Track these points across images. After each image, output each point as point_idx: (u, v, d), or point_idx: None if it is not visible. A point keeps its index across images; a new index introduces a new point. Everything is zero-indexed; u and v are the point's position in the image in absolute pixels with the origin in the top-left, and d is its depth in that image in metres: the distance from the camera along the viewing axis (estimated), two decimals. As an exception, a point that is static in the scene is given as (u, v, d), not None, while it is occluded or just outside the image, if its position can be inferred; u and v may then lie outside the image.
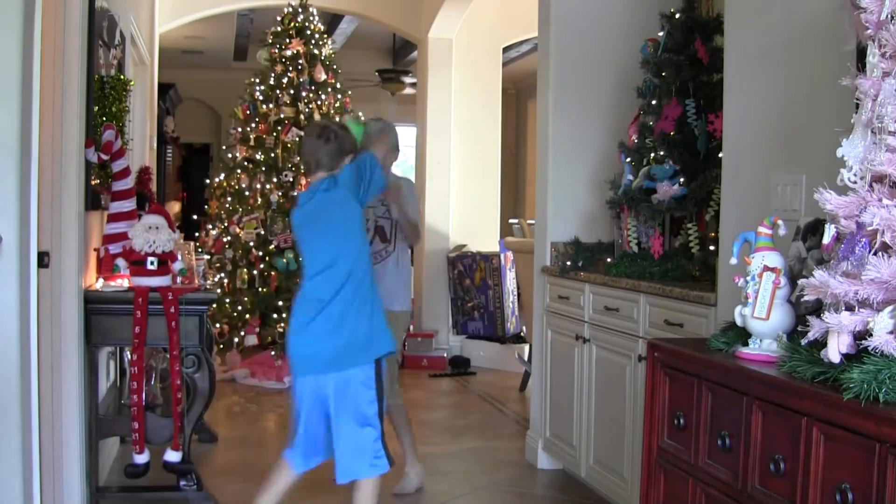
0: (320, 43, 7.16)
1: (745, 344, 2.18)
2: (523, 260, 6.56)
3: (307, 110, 6.95)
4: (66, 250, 3.44)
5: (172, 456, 3.71)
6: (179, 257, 3.86)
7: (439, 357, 7.43)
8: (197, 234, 7.67)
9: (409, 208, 4.14)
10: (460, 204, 8.06)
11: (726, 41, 3.14)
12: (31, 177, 2.63)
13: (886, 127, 1.79)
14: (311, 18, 7.20)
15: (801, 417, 1.82)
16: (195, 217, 9.23)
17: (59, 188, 3.40)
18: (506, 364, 7.29)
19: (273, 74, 7.06)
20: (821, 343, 1.86)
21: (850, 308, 1.80)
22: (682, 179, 3.73)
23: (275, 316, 6.76)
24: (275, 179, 6.89)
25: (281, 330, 6.68)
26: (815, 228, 2.36)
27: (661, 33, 3.99)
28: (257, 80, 7.14)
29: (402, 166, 12.90)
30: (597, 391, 3.97)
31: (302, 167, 3.28)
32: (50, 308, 3.39)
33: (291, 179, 6.87)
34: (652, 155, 3.92)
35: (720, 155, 3.25)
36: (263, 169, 6.93)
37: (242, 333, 6.83)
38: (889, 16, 1.81)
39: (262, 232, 6.83)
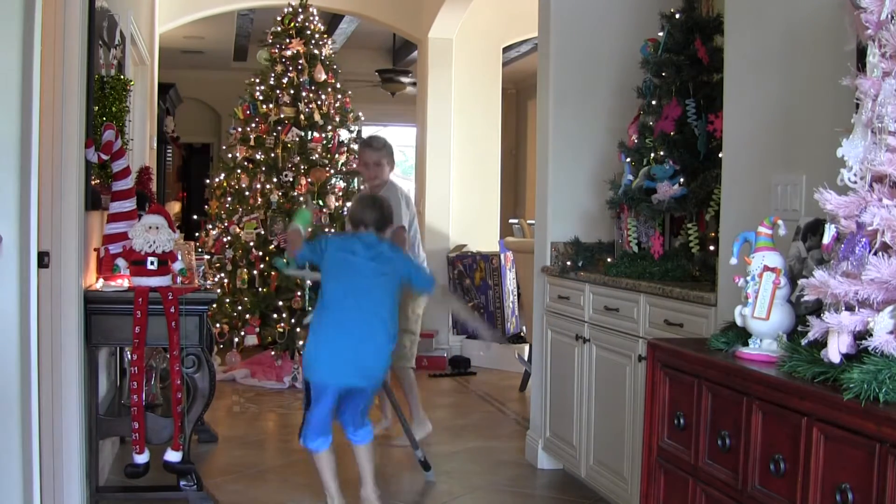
0: (320, 43, 7.16)
1: (745, 344, 2.18)
2: (523, 260, 6.56)
3: (307, 110, 6.94)
4: (66, 250, 3.44)
5: (172, 456, 3.71)
6: (179, 257, 3.86)
7: (439, 357, 7.43)
8: (197, 234, 7.66)
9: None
10: (460, 204, 8.06)
11: (726, 41, 3.14)
12: (31, 177, 2.64)
13: (886, 127, 1.79)
14: (311, 18, 7.20)
15: (801, 417, 1.82)
16: (195, 217, 9.23)
17: (59, 188, 3.40)
18: (506, 364, 7.29)
19: (273, 74, 7.05)
20: (821, 343, 1.86)
21: (850, 308, 1.79)
22: (682, 179, 3.73)
23: (275, 316, 6.76)
24: (275, 179, 6.88)
25: (281, 330, 6.68)
26: (815, 228, 2.36)
27: (661, 33, 3.99)
28: (257, 80, 7.14)
29: (403, 166, 12.91)
30: (597, 391, 3.97)
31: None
32: (50, 308, 3.39)
33: (291, 179, 6.87)
34: (652, 155, 3.92)
35: (720, 155, 3.25)
36: (263, 169, 6.93)
37: (242, 333, 6.83)
38: (889, 16, 1.81)
39: (262, 232, 6.83)
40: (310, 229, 3.87)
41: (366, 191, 4.92)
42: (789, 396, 1.87)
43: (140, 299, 3.61)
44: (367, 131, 8.04)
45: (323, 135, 7.07)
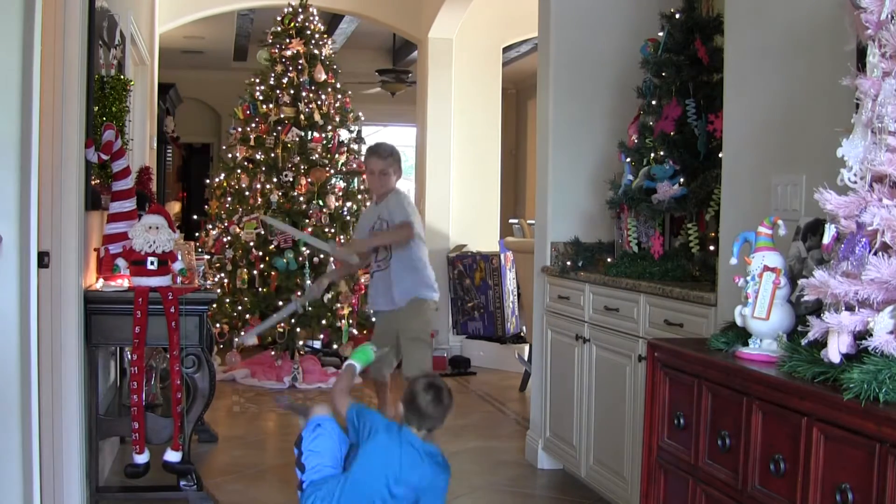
0: (320, 43, 7.16)
1: (745, 344, 2.18)
2: (523, 260, 6.56)
3: (307, 110, 6.94)
4: (66, 250, 3.44)
5: (172, 456, 3.71)
6: (179, 257, 3.86)
7: (439, 357, 7.42)
8: (197, 234, 7.66)
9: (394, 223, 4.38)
10: (460, 204, 8.06)
11: (726, 41, 3.14)
12: (31, 177, 2.64)
13: (886, 127, 1.79)
14: (311, 18, 7.20)
15: (801, 417, 1.82)
16: (195, 217, 9.23)
17: (59, 188, 3.40)
18: (506, 364, 7.29)
19: (273, 74, 7.05)
20: (821, 343, 1.86)
21: (850, 308, 1.79)
22: (682, 179, 3.74)
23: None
24: (275, 179, 6.88)
25: (281, 330, 6.68)
26: (815, 228, 2.36)
27: (661, 33, 3.99)
28: (257, 80, 7.14)
29: (403, 166, 12.91)
30: (597, 391, 3.97)
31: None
32: (50, 308, 3.39)
33: (291, 179, 6.87)
34: (652, 155, 3.92)
35: (720, 155, 3.25)
36: (263, 169, 6.93)
37: (242, 333, 6.83)
38: (889, 16, 1.81)
39: (262, 232, 6.83)
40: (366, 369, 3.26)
41: (372, 200, 4.60)
42: (789, 396, 1.87)
43: (140, 299, 3.61)
44: (366, 131, 8.04)
45: (323, 135, 7.07)
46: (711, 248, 3.55)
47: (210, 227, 7.29)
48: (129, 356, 4.28)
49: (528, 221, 8.43)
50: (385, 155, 4.44)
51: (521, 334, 7.68)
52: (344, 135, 7.28)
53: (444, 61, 7.99)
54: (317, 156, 6.95)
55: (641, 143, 4.02)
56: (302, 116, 6.94)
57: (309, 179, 6.87)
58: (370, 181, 4.56)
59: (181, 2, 7.57)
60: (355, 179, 7.22)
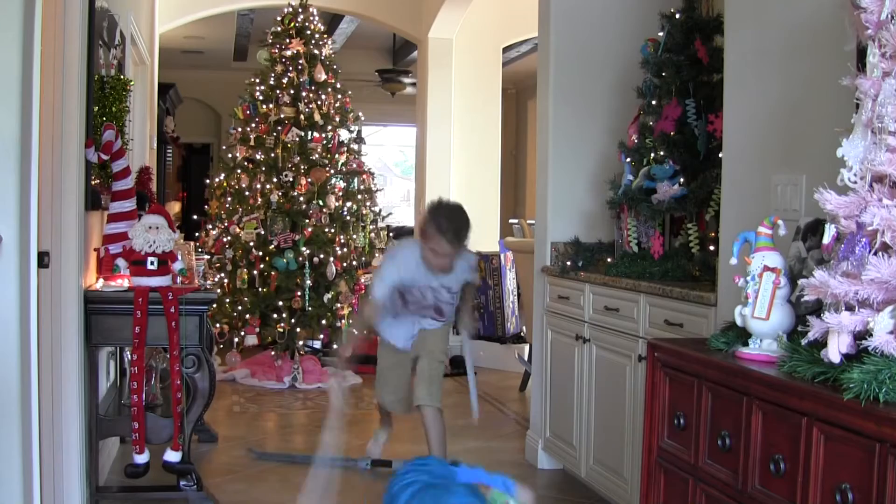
0: (320, 43, 7.16)
1: (745, 344, 2.18)
2: (523, 260, 6.56)
3: (307, 110, 6.94)
4: (66, 250, 3.44)
5: (172, 456, 3.71)
6: (179, 257, 3.86)
7: (439, 357, 7.42)
8: (197, 234, 7.66)
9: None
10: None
11: (726, 41, 3.14)
12: (31, 177, 2.63)
13: (886, 127, 1.79)
14: (311, 18, 7.20)
15: (801, 417, 1.83)
16: (195, 217, 9.23)
17: (59, 188, 3.40)
18: (506, 364, 7.29)
19: (273, 74, 7.05)
20: (821, 343, 1.86)
21: (850, 308, 1.80)
22: (682, 179, 3.74)
23: (275, 316, 6.75)
24: (275, 179, 6.88)
25: (281, 330, 6.68)
26: (815, 228, 2.36)
27: (661, 33, 3.99)
28: (257, 80, 7.14)
29: (403, 166, 12.89)
30: (597, 391, 3.97)
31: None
32: (50, 308, 3.39)
33: (291, 179, 6.87)
34: (652, 155, 3.93)
35: (720, 155, 3.25)
36: (263, 169, 6.93)
37: (242, 333, 6.83)
38: (889, 16, 1.81)
39: (262, 232, 6.82)
40: None
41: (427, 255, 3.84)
42: (789, 396, 1.87)
43: (140, 299, 3.61)
44: (367, 131, 8.04)
45: (323, 135, 7.07)
46: (711, 248, 3.55)
47: (210, 227, 7.29)
48: (129, 356, 4.28)
49: (528, 221, 8.43)
50: (457, 239, 3.75)
51: (521, 334, 7.68)
52: (344, 135, 7.28)
53: (444, 61, 8.00)
54: (317, 156, 6.95)
55: (641, 143, 4.02)
56: (302, 116, 6.94)
57: (309, 179, 6.87)
58: (432, 257, 3.76)
59: (181, 2, 7.57)
60: (355, 179, 7.21)
